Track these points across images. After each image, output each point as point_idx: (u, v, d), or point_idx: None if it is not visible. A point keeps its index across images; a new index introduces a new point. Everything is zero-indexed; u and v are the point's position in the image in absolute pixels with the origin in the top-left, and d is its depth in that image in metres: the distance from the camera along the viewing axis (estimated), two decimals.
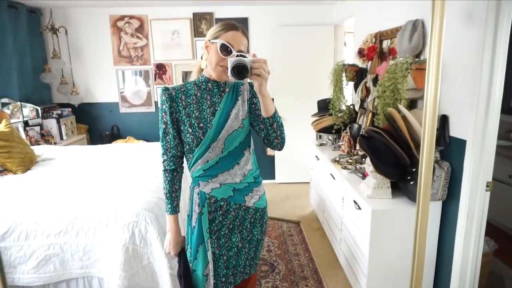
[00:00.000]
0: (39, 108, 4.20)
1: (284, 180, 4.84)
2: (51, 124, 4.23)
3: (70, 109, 4.53)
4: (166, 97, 1.38)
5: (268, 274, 2.69)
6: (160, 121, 1.42)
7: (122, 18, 4.43)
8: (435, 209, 2.07)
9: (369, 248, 2.05)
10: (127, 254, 1.75)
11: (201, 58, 1.44)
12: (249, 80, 1.33)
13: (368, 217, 2.04)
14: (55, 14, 4.31)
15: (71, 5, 4.26)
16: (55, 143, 4.09)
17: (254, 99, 1.46)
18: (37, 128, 4.10)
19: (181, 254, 1.47)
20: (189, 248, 1.44)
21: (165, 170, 1.43)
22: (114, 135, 4.74)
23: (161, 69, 4.63)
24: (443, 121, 2.07)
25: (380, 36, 2.96)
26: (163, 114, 1.40)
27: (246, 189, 1.46)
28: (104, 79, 4.63)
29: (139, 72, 4.65)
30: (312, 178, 3.98)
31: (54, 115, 4.26)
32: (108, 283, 1.78)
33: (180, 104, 1.38)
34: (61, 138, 4.26)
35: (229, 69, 1.20)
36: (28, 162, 2.62)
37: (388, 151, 2.13)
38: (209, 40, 1.36)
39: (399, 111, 2.17)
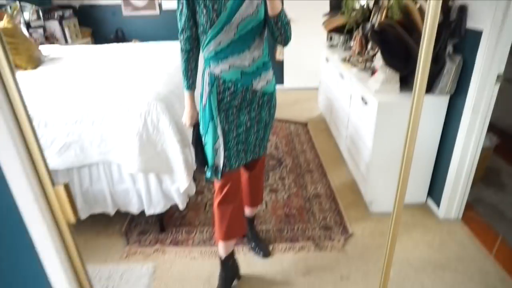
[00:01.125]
0: (39, 9, 4.05)
1: (292, 85, 4.82)
2: (54, 26, 4.12)
3: (71, 11, 4.37)
4: None
5: (275, 167, 2.85)
6: (177, 4, 1.44)
7: None
8: (441, 103, 2.09)
9: (373, 139, 2.13)
10: (141, 141, 1.86)
11: None
12: None
13: (374, 110, 2.08)
14: None
15: None
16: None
17: None
18: (40, 31, 4.01)
19: (195, 127, 1.60)
20: (202, 123, 1.56)
21: (181, 49, 1.51)
22: (118, 39, 4.63)
23: None
24: (461, 12, 1.96)
25: None
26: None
27: (254, 73, 1.50)
28: None
29: None
30: (321, 81, 3.95)
31: (55, 17, 4.12)
32: (126, 167, 1.92)
33: None
34: (66, 41, 4.19)
35: None
36: (36, 60, 2.63)
37: (399, 44, 2.08)
38: None
39: (416, 3, 2.05)
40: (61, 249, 0.84)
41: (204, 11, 1.37)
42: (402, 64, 2.11)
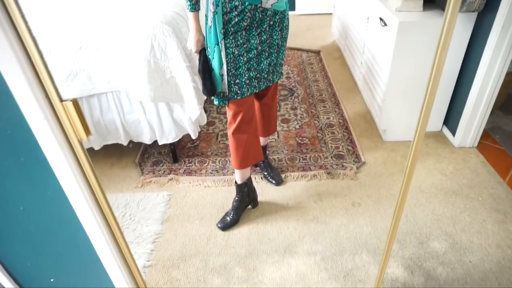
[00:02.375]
0: None
1: (305, 11, 4.53)
2: None
3: None
4: None
5: (287, 98, 2.78)
6: None
7: None
8: (468, 21, 1.92)
9: (391, 63, 2.01)
10: (149, 67, 1.78)
11: None
12: None
13: (394, 31, 1.94)
14: None
15: None
16: None
17: None
18: None
19: (202, 52, 1.48)
20: (208, 47, 1.45)
21: None
22: None
23: None
24: None
25: None
26: None
27: None
28: None
29: None
30: (335, 5, 3.69)
31: None
32: (135, 96, 1.88)
33: None
34: None
35: None
36: None
37: None
38: None
39: None
40: (76, 168, 0.83)
41: None
42: None
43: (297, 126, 2.43)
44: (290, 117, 2.54)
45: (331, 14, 3.98)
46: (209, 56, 1.45)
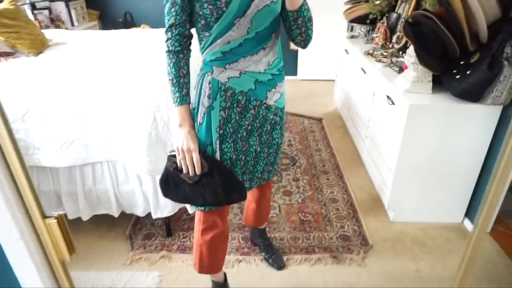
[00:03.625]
0: None
1: (307, 77, 4.61)
2: (60, 8, 3.94)
3: None
4: None
5: (289, 167, 2.69)
6: None
7: None
8: (493, 114, 1.84)
9: (401, 143, 1.95)
10: (150, 139, 1.70)
11: None
12: None
13: (404, 113, 1.89)
14: None
15: None
16: (66, 29, 3.86)
17: None
18: (46, 12, 3.83)
19: (205, 156, 1.21)
20: None
21: (168, 51, 1.14)
22: (127, 23, 4.44)
23: None
24: None
25: None
26: None
27: (270, 83, 1.23)
28: None
29: None
30: (338, 74, 3.75)
31: None
32: (132, 168, 1.77)
33: None
34: (72, 24, 4.01)
35: None
36: (39, 45, 2.46)
37: (436, 39, 1.88)
38: None
39: None
40: None
41: None
42: (437, 61, 1.91)
43: (300, 200, 2.31)
44: (292, 189, 2.43)
45: (333, 80, 4.03)
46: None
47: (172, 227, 2.05)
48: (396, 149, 2.00)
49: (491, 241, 2.02)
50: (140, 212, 1.93)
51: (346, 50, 3.33)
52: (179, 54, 1.15)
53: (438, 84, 2.00)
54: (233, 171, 1.25)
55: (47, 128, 1.72)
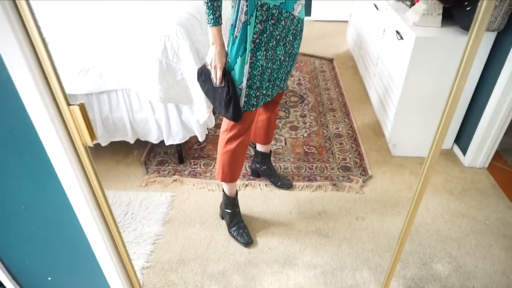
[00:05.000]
0: None
1: (320, 17, 4.51)
2: None
3: None
4: None
5: (297, 104, 2.76)
6: None
7: None
8: (487, 40, 1.88)
9: (405, 78, 1.98)
10: (161, 67, 1.78)
11: None
12: None
13: (410, 46, 1.91)
14: None
15: None
16: None
17: None
18: None
19: (227, 75, 1.37)
20: (228, 58, 1.37)
21: None
22: None
23: None
24: None
25: None
26: None
27: None
28: None
29: None
30: (351, 14, 3.66)
31: None
32: (145, 95, 1.87)
33: None
34: None
35: None
36: None
37: None
38: None
39: None
40: (79, 171, 0.82)
41: None
42: None
43: (305, 135, 2.41)
44: (299, 124, 2.52)
45: (346, 22, 3.95)
46: (227, 67, 1.38)
47: (184, 155, 2.20)
48: (400, 83, 2.04)
49: (486, 175, 2.11)
50: (154, 139, 2.06)
51: None
52: None
53: (449, 18, 1.98)
54: (262, 78, 1.40)
55: (65, 55, 1.81)
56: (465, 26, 1.85)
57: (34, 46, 0.69)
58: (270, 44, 1.34)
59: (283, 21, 1.32)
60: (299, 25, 1.43)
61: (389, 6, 2.36)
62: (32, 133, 0.76)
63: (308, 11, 4.46)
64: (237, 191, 1.77)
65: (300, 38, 1.49)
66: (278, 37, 1.35)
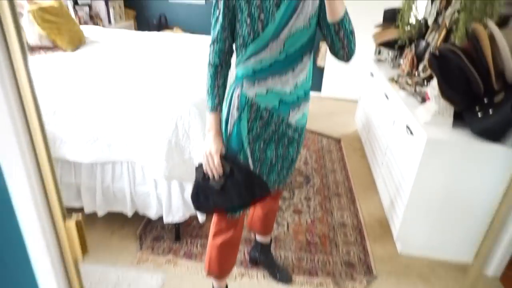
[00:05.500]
0: None
1: (330, 94, 4.63)
2: (99, 5, 4.12)
3: None
4: None
5: (302, 185, 2.71)
6: (214, 6, 1.20)
7: None
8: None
9: (416, 175, 1.94)
10: (169, 146, 1.76)
11: None
12: None
13: (422, 145, 1.89)
14: None
15: None
16: (103, 26, 4.02)
17: None
18: (86, 9, 4.01)
19: (229, 159, 1.30)
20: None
21: (209, 63, 1.27)
22: (161, 25, 4.59)
23: None
24: None
25: None
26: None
27: (294, 103, 1.29)
28: None
29: None
30: (361, 96, 3.75)
31: None
32: (150, 171, 1.84)
33: None
34: (109, 22, 4.18)
35: None
36: (77, 41, 2.59)
37: (460, 74, 1.87)
38: None
39: (486, 28, 1.84)
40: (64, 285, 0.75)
41: (248, 20, 1.15)
42: (460, 97, 1.91)
43: (309, 220, 2.33)
44: (302, 208, 2.44)
45: (356, 101, 4.03)
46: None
47: (181, 232, 2.10)
48: (411, 180, 1.99)
49: (498, 286, 1.98)
50: (152, 214, 1.99)
51: (371, 73, 3.34)
52: (217, 67, 1.25)
53: (459, 120, 1.99)
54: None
55: (75, 124, 1.81)
56: (477, 131, 1.84)
57: (37, 157, 0.65)
58: (258, 145, 1.30)
59: (273, 124, 1.29)
60: (296, 133, 1.37)
61: (399, 98, 2.40)
62: (20, 245, 0.70)
63: (318, 87, 4.60)
64: (227, 286, 1.65)
65: (298, 146, 1.42)
66: (267, 139, 1.31)
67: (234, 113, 1.27)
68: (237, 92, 1.26)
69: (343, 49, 1.17)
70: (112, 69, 2.23)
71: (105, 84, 2.00)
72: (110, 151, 1.84)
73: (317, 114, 4.08)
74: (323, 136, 3.57)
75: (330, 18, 1.09)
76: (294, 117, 1.32)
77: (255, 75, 1.23)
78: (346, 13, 1.10)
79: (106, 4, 4.10)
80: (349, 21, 1.12)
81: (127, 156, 1.87)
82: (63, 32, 2.47)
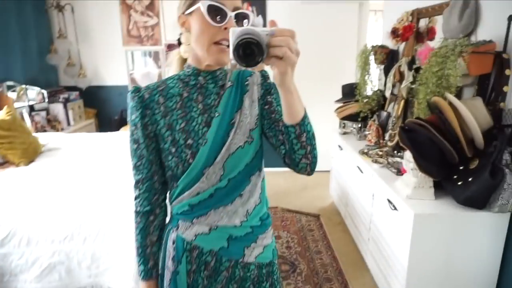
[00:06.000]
0: (45, 92, 3.99)
1: None
2: (57, 109, 4.03)
3: (77, 93, 4.32)
4: (136, 103, 0.93)
5: (289, 275, 2.50)
6: (130, 139, 0.97)
7: None
8: (501, 223, 1.78)
9: (409, 255, 1.82)
10: None
11: (179, 42, 1.02)
12: (263, 66, 0.80)
13: (409, 222, 1.81)
14: None
15: None
16: (62, 129, 3.90)
17: (268, 96, 0.99)
18: (43, 113, 3.91)
19: None
20: None
21: (136, 212, 0.99)
22: (123, 120, 4.53)
23: (172, 49, 4.37)
24: None
25: (418, 14, 2.65)
26: (133, 128, 0.95)
27: (248, 237, 0.99)
28: (113, 60, 4.40)
29: (149, 53, 4.40)
30: (333, 167, 3.74)
31: (60, 99, 4.05)
32: None
33: (158, 111, 0.93)
34: (68, 124, 4.07)
35: (232, 48, 0.72)
36: (31, 153, 2.43)
37: (432, 146, 1.87)
38: (184, 13, 0.92)
39: (445, 99, 1.90)
40: None
41: (173, 149, 0.92)
42: (436, 168, 1.89)
43: None
44: None
45: (328, 171, 4.01)
46: None
47: None
48: (405, 258, 1.87)
49: None
50: None
51: (339, 146, 3.37)
52: (149, 215, 0.98)
53: (439, 187, 1.95)
54: None
55: (28, 252, 1.58)
56: (460, 201, 1.80)
57: None
58: None
59: (224, 271, 0.98)
60: (263, 271, 1.03)
61: (374, 172, 2.37)
62: None
63: None
64: None
65: (272, 285, 1.06)
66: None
67: (170, 265, 0.98)
68: (171, 237, 0.98)
69: (306, 157, 0.90)
70: (68, 181, 2.06)
71: (62, 202, 1.81)
72: (70, 278, 1.61)
73: (291, 191, 4.00)
74: (301, 214, 3.44)
75: (288, 120, 0.86)
76: (252, 255, 1.01)
77: (193, 211, 0.96)
78: (306, 113, 0.88)
79: (65, 107, 4.03)
80: (309, 121, 0.90)
81: (91, 280, 1.63)
82: (16, 146, 2.31)
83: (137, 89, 0.95)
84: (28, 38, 3.76)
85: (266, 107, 0.98)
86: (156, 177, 0.98)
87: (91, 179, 2.07)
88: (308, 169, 0.94)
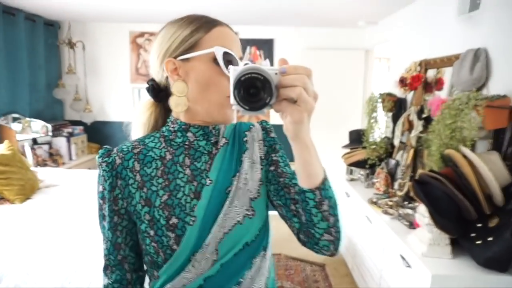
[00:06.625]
0: (49, 126, 3.96)
1: None
2: (60, 143, 3.99)
3: (82, 128, 4.30)
4: (105, 171, 0.76)
5: None
6: (98, 214, 0.81)
7: (142, 34, 4.24)
8: None
9: None
10: None
11: (153, 91, 0.80)
12: (269, 111, 0.62)
13: (427, 282, 1.68)
14: (74, 28, 4.14)
15: (91, 19, 4.09)
16: (63, 163, 3.83)
17: (273, 154, 0.82)
18: (46, 147, 3.86)
19: None
20: None
21: None
22: None
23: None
24: None
25: (426, 65, 2.66)
26: (101, 202, 0.79)
27: None
28: (119, 97, 4.42)
29: None
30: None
31: (64, 133, 4.02)
32: None
33: (132, 182, 0.75)
34: (70, 158, 4.01)
35: (232, 87, 0.58)
36: (28, 190, 2.34)
37: (449, 201, 1.79)
38: (177, 57, 0.73)
39: (459, 152, 1.83)
40: None
41: (152, 231, 0.73)
42: (453, 225, 1.79)
43: None
44: None
45: None
46: None
47: None
48: None
49: None
50: None
51: (346, 193, 3.27)
52: None
53: (455, 244, 1.84)
54: None
55: None
56: (481, 262, 1.68)
57: None
58: None
59: None
60: None
61: (385, 224, 2.26)
62: None
63: None
64: None
65: None
66: None
67: None
68: None
69: (329, 232, 0.71)
70: (63, 223, 1.96)
71: (52, 246, 1.70)
72: None
73: (293, 237, 3.83)
74: (305, 262, 3.28)
75: (305, 183, 0.68)
76: None
77: None
78: (326, 174, 0.70)
79: (68, 141, 3.99)
80: (330, 185, 0.70)
81: None
82: (13, 182, 2.23)
83: (106, 152, 0.77)
84: (37, 71, 3.80)
85: (272, 168, 0.80)
86: (126, 266, 0.79)
87: (86, 220, 1.96)
88: (331, 248, 0.74)
